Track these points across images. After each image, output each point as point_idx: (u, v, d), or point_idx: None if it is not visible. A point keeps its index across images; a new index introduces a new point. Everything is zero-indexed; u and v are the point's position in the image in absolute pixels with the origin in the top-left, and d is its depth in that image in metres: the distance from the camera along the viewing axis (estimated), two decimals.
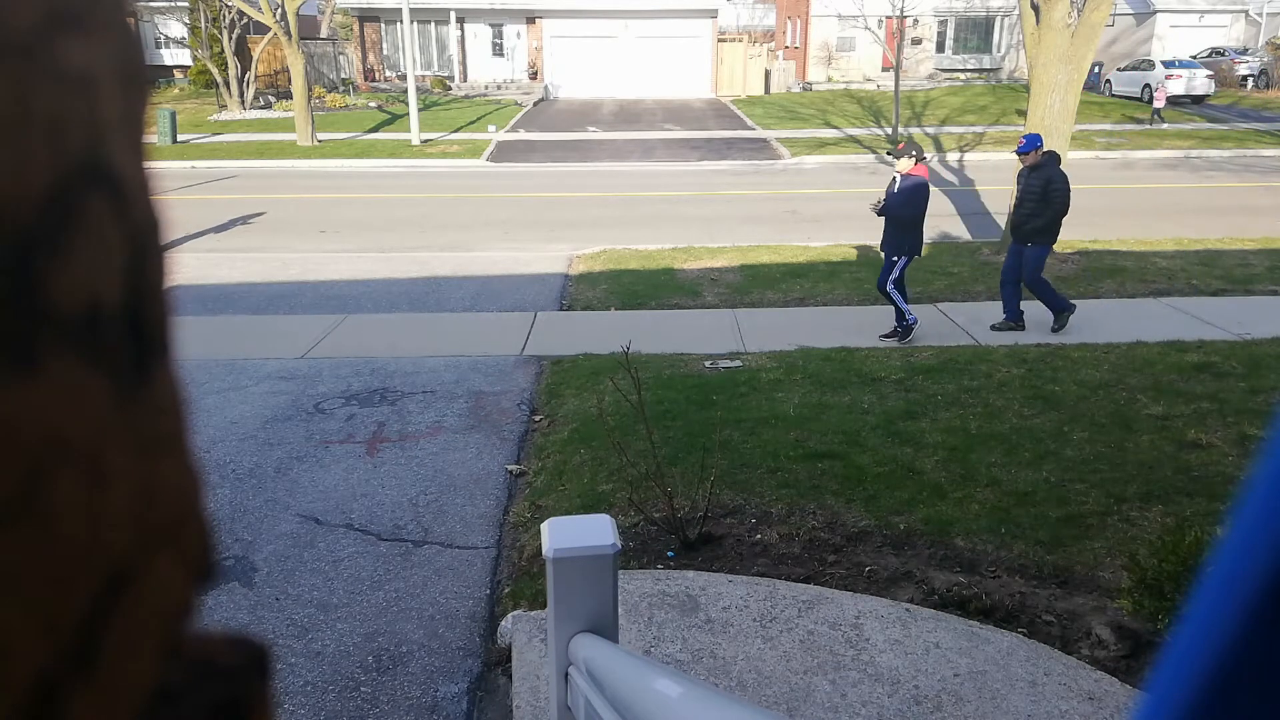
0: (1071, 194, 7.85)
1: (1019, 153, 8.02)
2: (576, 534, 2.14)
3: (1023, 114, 25.67)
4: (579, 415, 6.24)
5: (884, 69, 35.60)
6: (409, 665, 3.85)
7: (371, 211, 15.25)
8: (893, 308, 7.90)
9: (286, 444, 5.96)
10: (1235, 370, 6.84)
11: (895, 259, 7.66)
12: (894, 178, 7.73)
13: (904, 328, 7.87)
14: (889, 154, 8.01)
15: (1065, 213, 7.82)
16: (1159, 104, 25.04)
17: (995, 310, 8.95)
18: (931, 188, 7.73)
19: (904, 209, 7.52)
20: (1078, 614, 3.89)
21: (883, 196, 7.73)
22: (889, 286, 7.72)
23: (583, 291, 9.89)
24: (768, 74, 35.78)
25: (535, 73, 35.59)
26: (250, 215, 14.37)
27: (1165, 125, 24.53)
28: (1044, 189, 7.73)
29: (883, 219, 7.84)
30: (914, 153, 7.64)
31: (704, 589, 3.97)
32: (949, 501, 4.91)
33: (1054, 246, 8.19)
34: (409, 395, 6.81)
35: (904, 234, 7.62)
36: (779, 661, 3.51)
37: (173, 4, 31.88)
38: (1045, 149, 7.96)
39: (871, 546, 4.49)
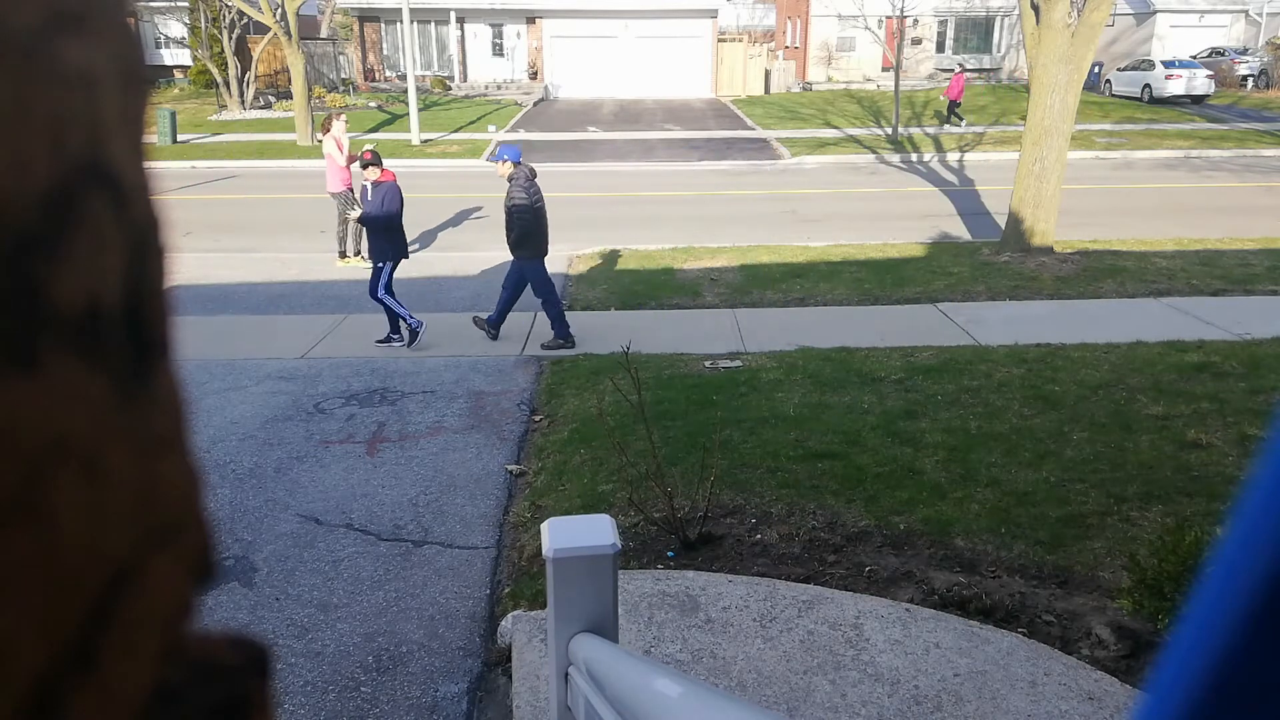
0: (539, 212, 7.67)
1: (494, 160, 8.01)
2: (576, 534, 2.14)
3: (940, 114, 25.77)
4: (579, 415, 6.24)
5: (884, 69, 35.61)
6: (409, 665, 3.85)
7: None
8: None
9: (286, 444, 5.95)
10: (1235, 370, 6.83)
11: (380, 265, 7.75)
12: (364, 186, 7.87)
13: (410, 332, 7.87)
14: (358, 162, 8.04)
15: (530, 228, 7.66)
16: None
17: (997, 310, 8.96)
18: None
19: (378, 216, 7.62)
20: (1078, 614, 3.88)
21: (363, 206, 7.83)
22: (380, 293, 7.77)
23: (583, 291, 9.89)
24: (768, 74, 35.78)
25: (535, 73, 35.59)
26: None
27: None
28: (508, 203, 7.71)
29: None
30: (377, 161, 7.78)
31: (704, 589, 3.97)
32: (949, 501, 4.91)
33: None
34: (409, 395, 6.81)
35: (383, 240, 7.70)
36: (779, 661, 3.51)
37: (173, 4, 31.89)
38: (522, 163, 7.77)
39: (871, 546, 4.49)
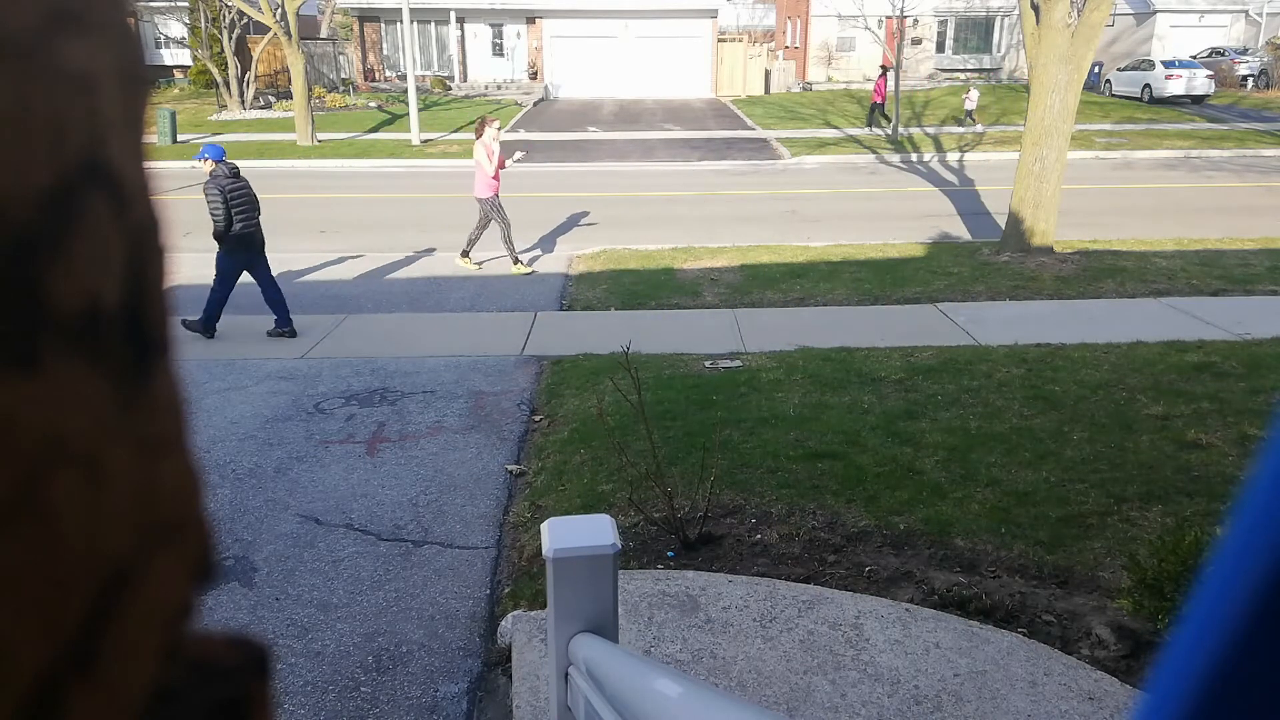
0: (232, 209, 7.75)
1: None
2: (576, 534, 2.14)
3: (873, 119, 25.53)
4: (579, 415, 6.24)
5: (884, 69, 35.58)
6: (409, 665, 3.85)
7: (371, 211, 15.25)
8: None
9: (286, 444, 5.95)
10: (1235, 370, 6.83)
11: None
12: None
13: None
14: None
15: (223, 224, 7.73)
16: (970, 105, 24.52)
17: (997, 310, 8.95)
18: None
19: None
20: (1078, 614, 3.89)
21: None
22: None
23: (583, 291, 9.89)
24: (768, 74, 35.81)
25: (535, 73, 35.60)
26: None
27: (980, 129, 24.07)
28: (206, 199, 7.82)
29: None
30: None
31: (704, 589, 3.97)
32: (949, 501, 4.91)
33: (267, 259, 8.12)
34: (409, 395, 6.81)
35: None
36: (779, 661, 3.51)
37: (173, 4, 31.90)
38: (224, 161, 7.86)
39: (871, 546, 4.49)
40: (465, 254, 10.90)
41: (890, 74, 24.43)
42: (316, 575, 4.49)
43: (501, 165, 10.36)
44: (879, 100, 24.66)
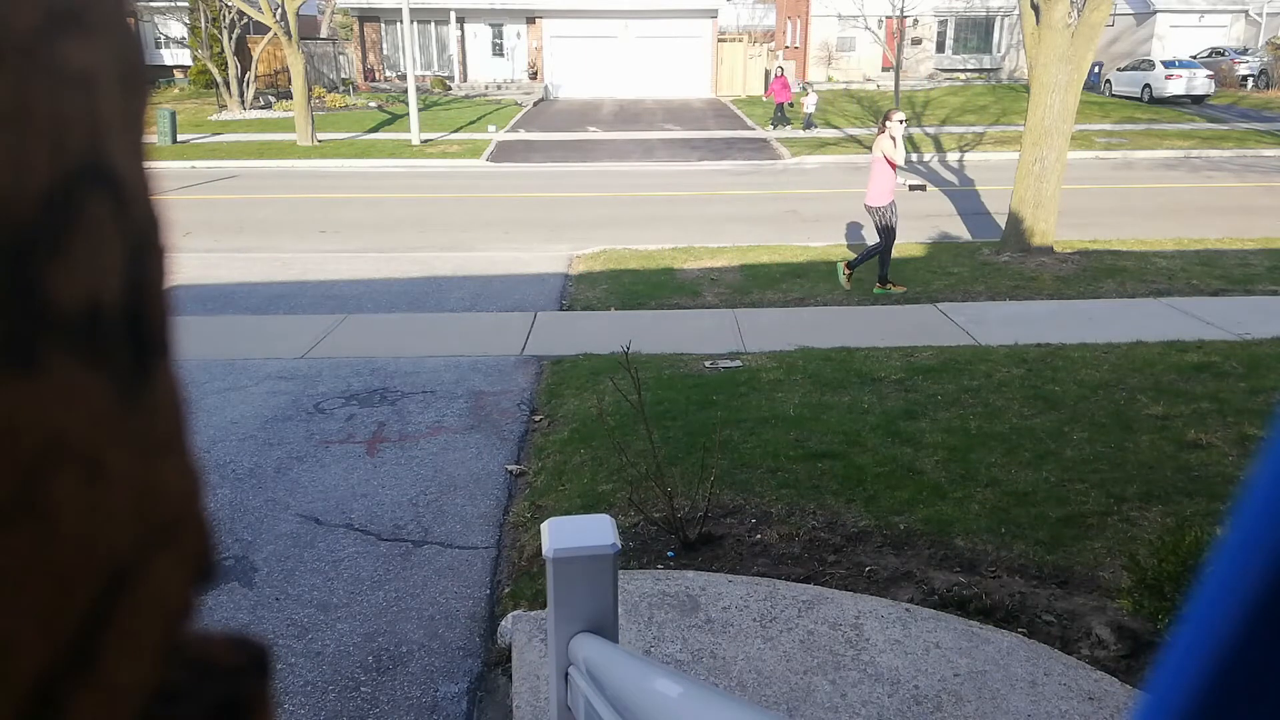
0: None
1: None
2: (576, 534, 2.14)
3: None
4: (579, 415, 6.24)
5: (884, 69, 35.63)
6: (409, 665, 3.85)
7: (371, 211, 15.25)
8: None
9: (286, 444, 5.95)
10: (1235, 370, 6.83)
11: None
12: None
13: None
14: None
15: None
16: (809, 109, 24.69)
17: (997, 310, 8.95)
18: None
19: None
20: (1078, 614, 3.88)
21: None
22: None
23: (583, 291, 9.89)
24: (768, 74, 35.81)
25: (535, 73, 35.61)
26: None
27: (816, 132, 24.22)
28: None
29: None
30: None
31: (704, 589, 3.97)
32: (949, 501, 4.91)
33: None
34: (409, 395, 6.81)
35: None
36: (779, 661, 3.51)
37: (173, 4, 31.91)
38: None
39: (871, 546, 4.49)
40: (883, 279, 9.52)
41: (787, 75, 25.26)
42: (316, 575, 4.48)
43: (894, 167, 9.08)
44: (785, 100, 25.02)
